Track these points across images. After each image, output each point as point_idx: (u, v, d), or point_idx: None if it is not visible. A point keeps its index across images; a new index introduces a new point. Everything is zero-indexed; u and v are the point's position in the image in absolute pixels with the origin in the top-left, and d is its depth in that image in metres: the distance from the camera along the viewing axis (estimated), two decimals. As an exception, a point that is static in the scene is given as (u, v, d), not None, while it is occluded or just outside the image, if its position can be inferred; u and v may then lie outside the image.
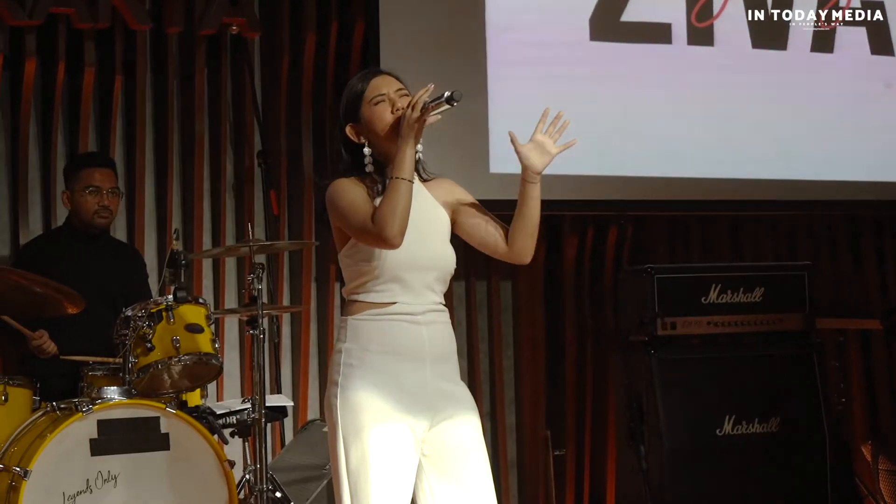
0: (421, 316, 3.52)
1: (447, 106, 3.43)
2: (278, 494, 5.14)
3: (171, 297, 5.02)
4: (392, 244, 3.43)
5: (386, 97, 3.55)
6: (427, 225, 3.57)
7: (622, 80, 6.72)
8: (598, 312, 7.02)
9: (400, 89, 3.58)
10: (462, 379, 3.63)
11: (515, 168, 3.56)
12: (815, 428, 6.19)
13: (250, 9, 6.32)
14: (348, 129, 3.60)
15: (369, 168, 3.56)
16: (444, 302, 3.58)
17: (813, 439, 6.18)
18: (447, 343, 3.58)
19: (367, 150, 3.56)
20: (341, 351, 3.53)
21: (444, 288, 3.60)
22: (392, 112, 3.53)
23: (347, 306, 3.58)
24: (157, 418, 4.81)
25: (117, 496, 4.70)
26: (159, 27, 6.23)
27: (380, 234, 3.42)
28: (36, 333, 5.19)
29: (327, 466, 5.13)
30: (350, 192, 3.51)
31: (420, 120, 3.45)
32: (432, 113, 3.46)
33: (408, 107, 3.46)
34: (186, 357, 4.96)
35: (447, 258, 3.61)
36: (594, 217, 6.93)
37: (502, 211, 6.40)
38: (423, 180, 3.64)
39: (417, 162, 3.55)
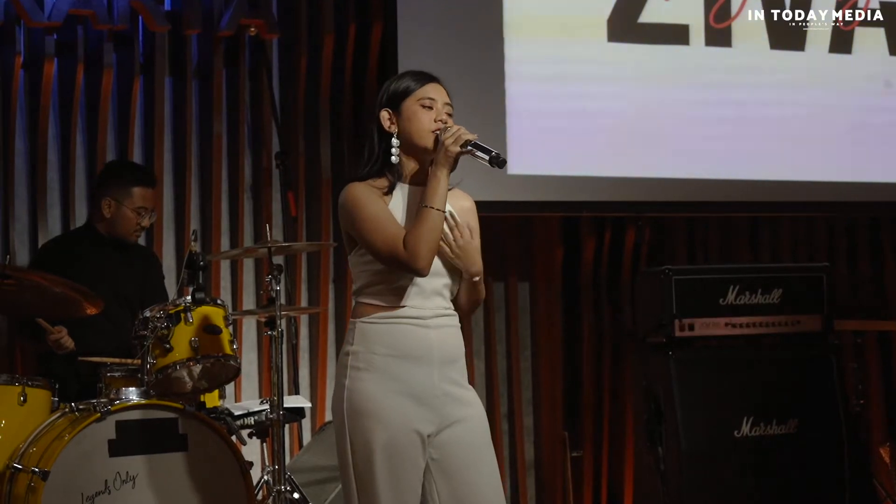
0: (430, 320, 3.53)
1: (485, 162, 3.47)
2: (296, 495, 5.13)
3: (189, 298, 5.01)
4: (421, 274, 3.46)
5: (435, 105, 3.57)
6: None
7: (640, 80, 6.71)
8: (616, 314, 7.01)
9: (448, 104, 3.60)
10: (479, 380, 3.63)
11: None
12: (832, 430, 6.16)
13: (268, 10, 6.33)
14: (384, 113, 3.59)
15: (395, 159, 3.56)
16: (451, 306, 3.60)
17: (831, 441, 6.15)
18: (456, 346, 3.59)
19: (395, 142, 3.56)
20: (349, 354, 3.54)
21: (454, 293, 3.61)
22: (434, 121, 3.54)
23: (356, 309, 3.59)
24: (175, 419, 4.81)
25: (136, 497, 4.70)
26: (177, 29, 6.25)
27: (409, 263, 3.44)
28: (55, 328, 5.21)
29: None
30: (371, 206, 3.51)
31: (458, 154, 3.47)
32: (465, 153, 3.48)
33: (449, 137, 3.47)
34: (204, 358, 4.96)
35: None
36: (612, 218, 6.91)
37: (521, 212, 6.38)
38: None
39: None
